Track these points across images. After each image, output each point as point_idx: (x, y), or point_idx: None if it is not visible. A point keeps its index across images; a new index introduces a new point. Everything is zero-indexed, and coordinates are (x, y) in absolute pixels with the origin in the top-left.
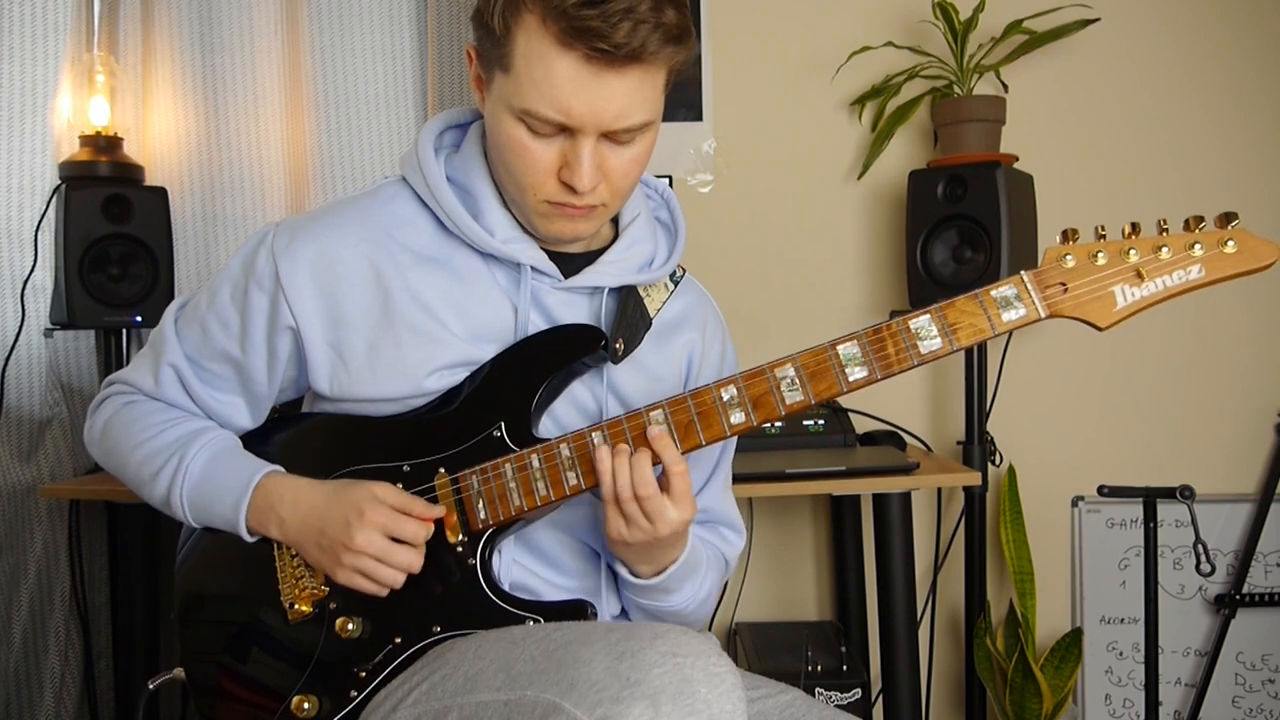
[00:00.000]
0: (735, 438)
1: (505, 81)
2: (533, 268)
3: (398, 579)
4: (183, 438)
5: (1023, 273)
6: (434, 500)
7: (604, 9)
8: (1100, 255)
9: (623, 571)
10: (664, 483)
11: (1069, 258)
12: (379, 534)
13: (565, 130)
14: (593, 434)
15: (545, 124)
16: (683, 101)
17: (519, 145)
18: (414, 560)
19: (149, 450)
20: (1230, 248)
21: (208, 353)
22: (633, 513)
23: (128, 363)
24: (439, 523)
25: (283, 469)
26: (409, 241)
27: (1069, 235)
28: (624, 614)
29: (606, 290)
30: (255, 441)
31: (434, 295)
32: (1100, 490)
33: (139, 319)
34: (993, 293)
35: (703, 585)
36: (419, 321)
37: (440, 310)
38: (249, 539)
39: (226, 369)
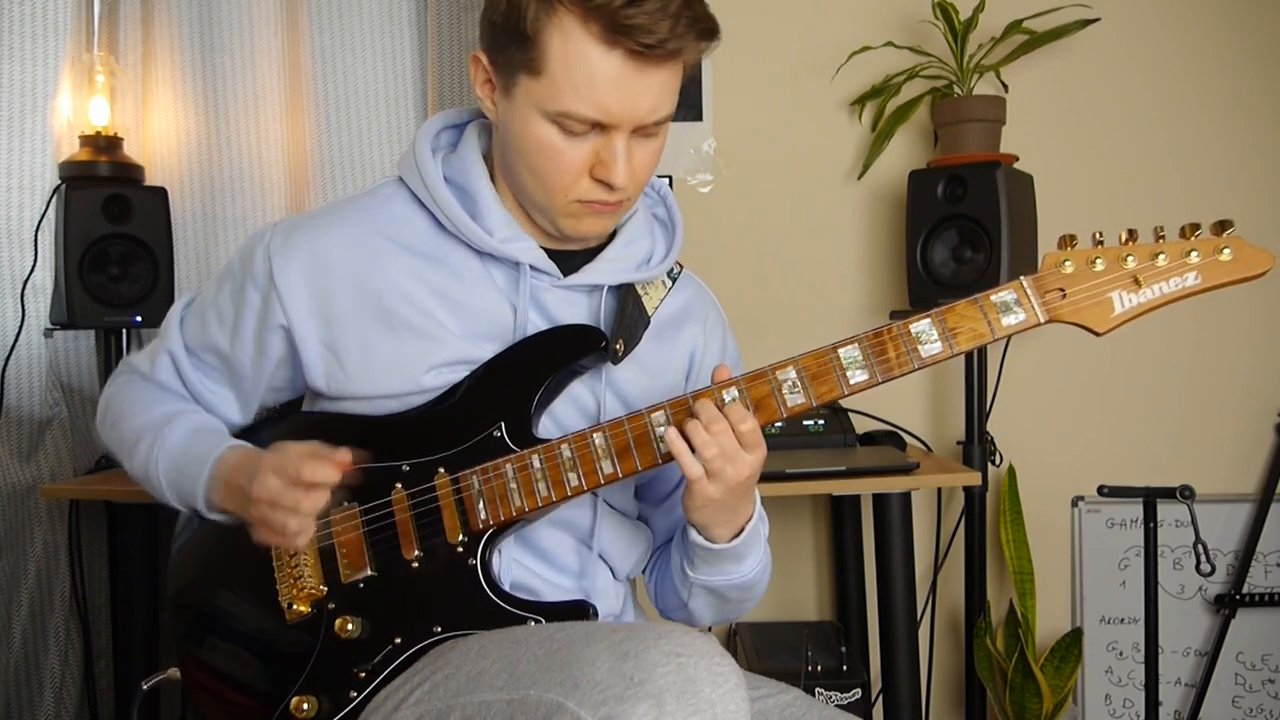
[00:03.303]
0: None
1: (535, 85)
2: (531, 266)
3: (288, 523)
4: (166, 415)
5: (1022, 278)
6: (434, 500)
7: (645, 6)
8: (1098, 261)
9: (700, 542)
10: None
11: (1067, 263)
12: (274, 477)
13: (597, 127)
14: (594, 434)
15: (581, 123)
16: (683, 101)
17: (551, 148)
18: (301, 501)
19: (136, 424)
20: (1226, 255)
21: (204, 344)
22: (717, 467)
23: None
24: (439, 523)
25: (248, 444)
26: (406, 241)
27: (1067, 241)
28: (625, 613)
29: (605, 288)
30: (254, 439)
31: (431, 294)
32: (1100, 490)
33: (139, 319)
34: (992, 298)
35: (764, 554)
36: (415, 320)
37: (437, 309)
38: (207, 514)
39: (218, 361)
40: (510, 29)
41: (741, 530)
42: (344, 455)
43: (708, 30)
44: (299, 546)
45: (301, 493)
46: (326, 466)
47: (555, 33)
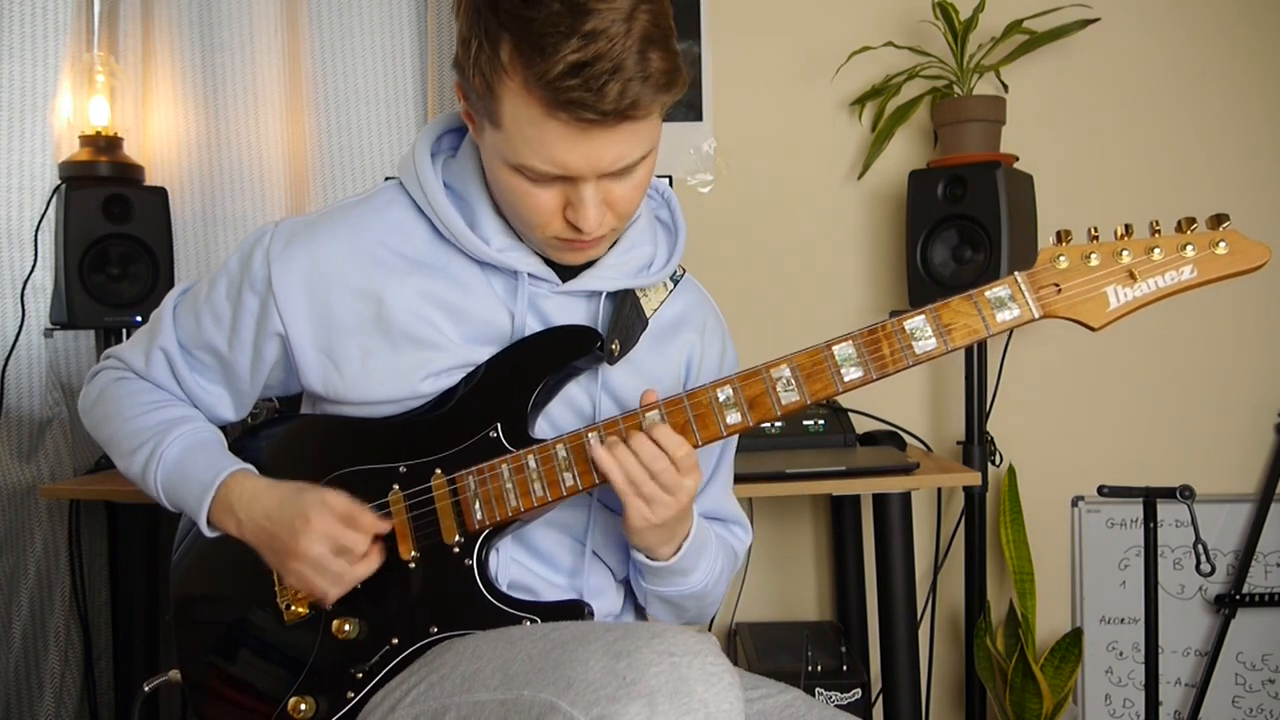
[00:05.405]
0: (735, 437)
1: (497, 136)
2: (530, 274)
3: (330, 592)
4: (164, 423)
5: (1016, 273)
6: (430, 501)
7: (586, 75)
8: (1093, 256)
9: (644, 560)
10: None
11: (1062, 258)
12: (321, 542)
13: (564, 177)
14: (589, 435)
15: (542, 175)
16: (683, 101)
17: (520, 192)
18: (345, 573)
19: (132, 428)
20: (1222, 249)
21: (199, 342)
22: (651, 493)
23: None
24: (435, 524)
25: (252, 468)
26: (405, 248)
27: (1062, 236)
28: (624, 613)
29: (605, 293)
30: (254, 440)
31: (429, 302)
32: (1100, 490)
33: (139, 319)
34: (987, 293)
35: (715, 562)
36: (414, 328)
37: (436, 317)
38: (209, 533)
39: (214, 361)
40: (469, 79)
41: (680, 547)
42: (383, 525)
43: (666, 83)
44: (325, 604)
45: (347, 563)
46: (364, 538)
47: (504, 93)
